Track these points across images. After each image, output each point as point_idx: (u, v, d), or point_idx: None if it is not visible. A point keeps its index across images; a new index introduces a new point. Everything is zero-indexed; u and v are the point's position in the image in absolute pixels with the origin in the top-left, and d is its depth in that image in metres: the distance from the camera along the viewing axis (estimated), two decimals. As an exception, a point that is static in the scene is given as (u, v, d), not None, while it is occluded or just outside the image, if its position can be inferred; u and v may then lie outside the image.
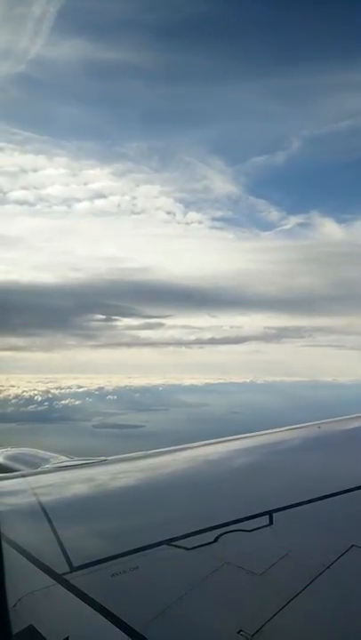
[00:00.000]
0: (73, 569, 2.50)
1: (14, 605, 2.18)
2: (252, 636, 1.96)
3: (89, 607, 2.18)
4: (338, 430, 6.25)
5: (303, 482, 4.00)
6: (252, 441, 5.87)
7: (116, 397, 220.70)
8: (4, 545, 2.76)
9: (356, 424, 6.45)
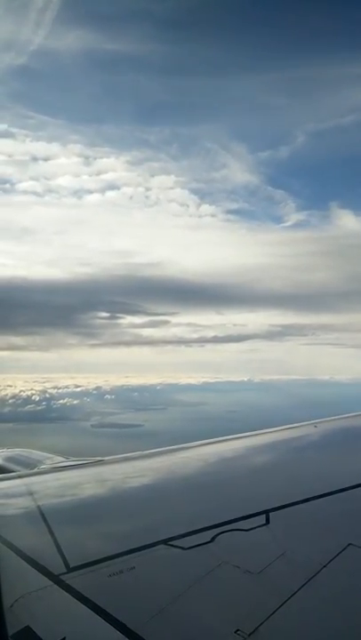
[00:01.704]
0: (70, 569, 2.49)
1: (11, 606, 2.17)
2: (249, 635, 1.96)
3: (86, 608, 2.17)
4: (334, 429, 6.25)
5: (300, 481, 4.00)
6: (248, 440, 5.87)
7: (113, 397, 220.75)
8: (1, 546, 2.76)
9: (352, 423, 6.46)
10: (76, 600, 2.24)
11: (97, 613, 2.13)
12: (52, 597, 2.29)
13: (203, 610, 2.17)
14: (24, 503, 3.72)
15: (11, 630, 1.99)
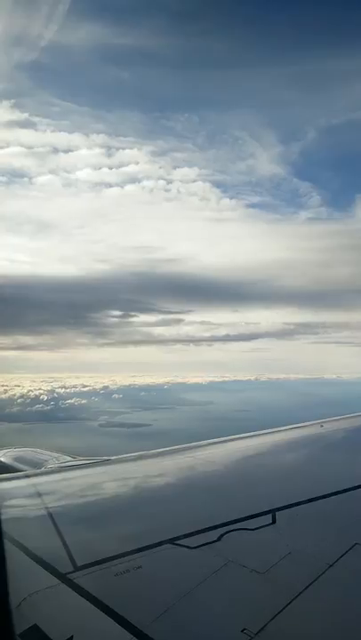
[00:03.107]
0: (77, 568, 2.51)
1: (18, 605, 2.18)
2: (256, 634, 1.97)
3: (93, 606, 2.19)
4: (340, 429, 6.24)
5: (306, 480, 4.00)
6: (255, 440, 5.88)
7: (121, 396, 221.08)
8: (8, 544, 2.79)
9: (358, 422, 6.43)
10: (83, 599, 2.25)
11: (104, 612, 2.14)
12: (60, 596, 2.31)
13: (209, 609, 2.19)
14: (31, 502, 3.75)
15: (18, 629, 2.00)
